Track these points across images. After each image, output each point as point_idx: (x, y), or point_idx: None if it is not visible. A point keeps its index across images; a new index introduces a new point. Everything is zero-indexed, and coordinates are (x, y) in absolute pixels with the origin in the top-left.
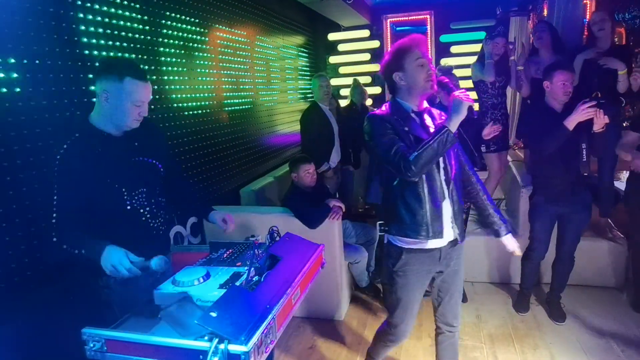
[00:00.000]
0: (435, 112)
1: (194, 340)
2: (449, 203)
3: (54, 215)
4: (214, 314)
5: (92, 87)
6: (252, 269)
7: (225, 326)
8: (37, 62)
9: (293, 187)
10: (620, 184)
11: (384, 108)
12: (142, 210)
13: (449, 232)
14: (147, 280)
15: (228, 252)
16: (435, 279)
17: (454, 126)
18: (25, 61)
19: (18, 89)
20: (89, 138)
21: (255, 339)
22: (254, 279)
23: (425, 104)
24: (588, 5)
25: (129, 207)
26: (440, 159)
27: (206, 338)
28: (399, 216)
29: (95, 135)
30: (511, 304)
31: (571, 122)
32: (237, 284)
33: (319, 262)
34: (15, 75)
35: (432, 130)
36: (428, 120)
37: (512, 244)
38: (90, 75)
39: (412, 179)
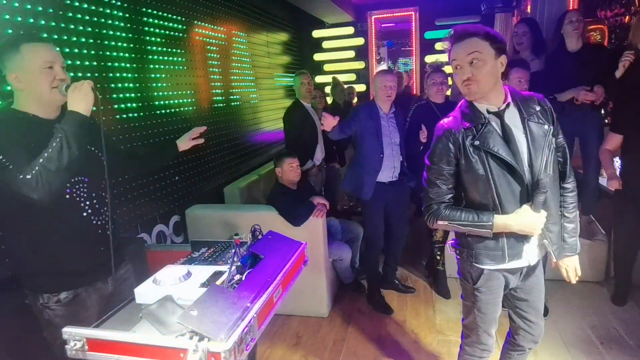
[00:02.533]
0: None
1: (174, 338)
2: None
3: (10, 166)
4: (194, 313)
5: None
6: (234, 267)
7: (206, 325)
8: None
9: (277, 185)
10: (603, 180)
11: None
12: (82, 205)
13: None
14: (93, 298)
15: (209, 251)
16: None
17: None
18: None
19: None
20: (12, 120)
21: (235, 337)
22: (235, 277)
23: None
24: (571, 2)
25: (67, 197)
26: None
27: (187, 336)
28: None
29: (21, 117)
30: None
31: None
32: (218, 282)
33: (302, 260)
34: None
35: (521, 141)
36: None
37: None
38: None
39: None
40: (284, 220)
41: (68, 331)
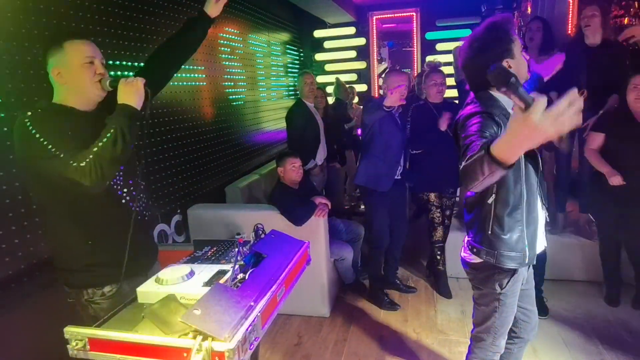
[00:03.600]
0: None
1: (177, 338)
2: None
3: (61, 155)
4: (197, 312)
5: None
6: (237, 266)
7: (209, 324)
8: None
9: (279, 184)
10: None
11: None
12: (120, 192)
13: None
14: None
15: (212, 250)
16: None
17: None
18: None
19: None
20: (53, 113)
21: (239, 336)
22: (238, 276)
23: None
24: (571, 3)
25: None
26: None
27: (190, 336)
28: None
29: (61, 110)
30: None
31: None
32: (222, 281)
33: (304, 259)
34: None
35: None
36: None
37: None
38: None
39: None
40: (285, 220)
41: (70, 330)
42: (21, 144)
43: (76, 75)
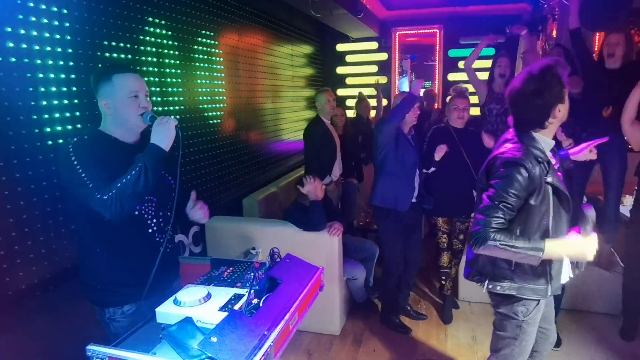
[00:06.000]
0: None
1: None
2: None
3: (90, 184)
4: (214, 339)
5: None
6: (252, 291)
7: (224, 353)
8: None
9: (295, 202)
10: (623, 208)
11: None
12: (149, 222)
13: None
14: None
15: (229, 271)
16: None
17: None
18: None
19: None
20: (98, 140)
21: None
22: (253, 301)
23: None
24: None
25: (136, 213)
26: None
27: None
28: None
29: (105, 139)
30: None
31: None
32: (237, 307)
33: (318, 285)
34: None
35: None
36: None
37: None
38: None
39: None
40: (300, 236)
41: (92, 349)
42: (62, 168)
43: (121, 107)
